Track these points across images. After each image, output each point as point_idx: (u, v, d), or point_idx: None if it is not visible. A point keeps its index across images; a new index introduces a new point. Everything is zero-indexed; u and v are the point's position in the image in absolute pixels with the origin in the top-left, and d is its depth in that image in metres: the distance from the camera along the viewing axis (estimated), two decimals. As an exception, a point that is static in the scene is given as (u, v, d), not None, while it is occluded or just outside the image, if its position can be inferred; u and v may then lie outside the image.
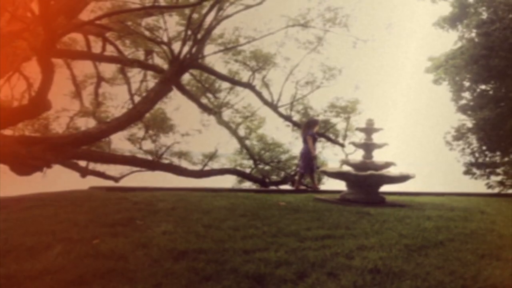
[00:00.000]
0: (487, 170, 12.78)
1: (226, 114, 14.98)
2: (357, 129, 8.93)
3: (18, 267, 2.99)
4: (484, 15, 12.59)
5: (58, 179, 11.34)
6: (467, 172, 13.16)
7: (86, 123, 13.05)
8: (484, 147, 12.83)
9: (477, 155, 13.02)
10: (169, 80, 11.09)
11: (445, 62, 13.85)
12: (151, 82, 13.84)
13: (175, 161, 13.60)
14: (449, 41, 14.11)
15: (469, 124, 13.20)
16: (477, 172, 12.97)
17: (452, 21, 13.49)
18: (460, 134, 13.24)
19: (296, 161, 15.13)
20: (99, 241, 3.75)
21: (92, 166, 12.91)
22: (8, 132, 9.11)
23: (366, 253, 3.66)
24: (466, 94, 13.65)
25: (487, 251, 3.90)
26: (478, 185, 12.85)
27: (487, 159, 12.91)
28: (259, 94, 14.11)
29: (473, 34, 12.94)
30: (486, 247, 4.07)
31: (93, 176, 12.81)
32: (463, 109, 13.47)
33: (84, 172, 12.70)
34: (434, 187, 13.36)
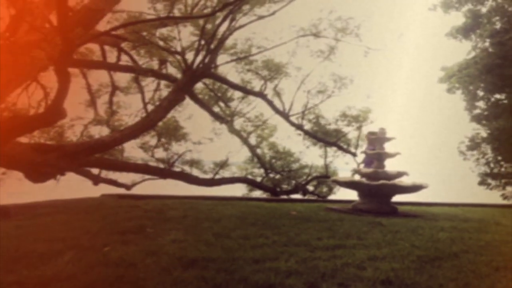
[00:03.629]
0: (503, 181, 12.56)
1: (238, 122, 15.04)
2: (368, 136, 8.86)
3: (29, 273, 3.01)
4: (498, 25, 12.48)
5: (71, 187, 11.47)
6: (482, 183, 12.95)
7: (100, 131, 13.23)
8: (499, 157, 12.62)
9: (492, 165, 12.82)
10: (182, 89, 11.19)
11: (458, 72, 13.73)
12: (165, 91, 13.98)
13: (187, 169, 13.66)
14: (462, 51, 14.02)
15: (484, 133, 13.01)
16: (492, 182, 12.76)
17: (465, 31, 13.41)
18: (474, 144, 13.07)
19: (306, 170, 15.10)
20: (109, 249, 3.77)
21: (104, 173, 13.03)
22: (24, 139, 9.27)
23: (378, 264, 3.61)
24: (480, 104, 13.50)
25: (502, 263, 3.80)
26: (493, 196, 12.61)
27: (503, 169, 12.70)
28: (270, 103, 14.14)
29: (487, 44, 12.83)
30: (501, 259, 3.98)
31: (105, 183, 12.93)
32: (477, 119, 13.30)
33: (97, 180, 12.81)
34: (448, 197, 13.13)
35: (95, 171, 12.73)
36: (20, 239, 4.09)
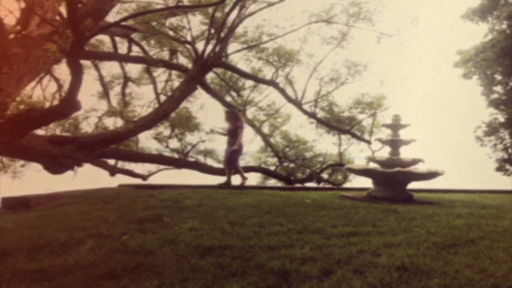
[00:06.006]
0: (521, 167, 12.35)
1: (250, 112, 15.07)
2: (383, 125, 8.78)
3: (51, 261, 3.10)
4: (516, 6, 12.13)
5: (89, 178, 11.67)
6: (499, 169, 12.75)
7: (114, 123, 13.44)
8: (517, 143, 12.39)
9: (510, 150, 12.59)
10: (193, 79, 11.22)
11: (475, 56, 13.43)
12: (176, 82, 14.07)
13: (201, 159, 13.80)
14: (479, 33, 13.76)
15: (502, 118, 12.76)
16: (510, 168, 12.54)
17: (481, 13, 13.06)
18: (491, 129, 12.84)
19: (320, 159, 15.07)
20: (128, 237, 3.84)
21: (120, 164, 13.24)
22: (40, 132, 9.45)
23: (393, 250, 3.61)
24: (498, 88, 13.22)
25: (520, 250, 3.76)
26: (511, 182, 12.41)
27: (521, 155, 12.47)
28: (282, 91, 14.09)
29: (504, 26, 12.50)
30: (520, 245, 3.94)
31: (122, 174, 13.14)
32: (495, 103, 13.04)
33: (113, 171, 13.03)
34: (464, 184, 12.98)
35: (111, 162, 12.94)
36: (41, 228, 4.20)
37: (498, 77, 12.94)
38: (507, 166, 12.46)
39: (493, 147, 12.81)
